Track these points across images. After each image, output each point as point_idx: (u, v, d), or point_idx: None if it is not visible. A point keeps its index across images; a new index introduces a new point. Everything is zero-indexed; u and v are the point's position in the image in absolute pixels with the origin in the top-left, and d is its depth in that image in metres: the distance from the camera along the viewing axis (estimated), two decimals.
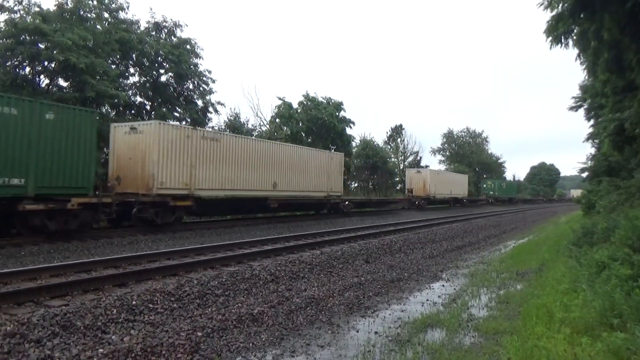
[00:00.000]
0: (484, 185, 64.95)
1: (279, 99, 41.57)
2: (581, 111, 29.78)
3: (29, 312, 5.87)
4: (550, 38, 11.29)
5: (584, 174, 32.15)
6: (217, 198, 18.67)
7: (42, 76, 21.74)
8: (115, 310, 6.21)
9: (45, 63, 20.67)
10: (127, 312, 6.29)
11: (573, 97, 30.11)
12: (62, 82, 22.02)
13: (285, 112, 40.58)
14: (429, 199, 41.11)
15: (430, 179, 41.78)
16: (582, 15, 10.26)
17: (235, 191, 19.30)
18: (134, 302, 6.56)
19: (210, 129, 22.06)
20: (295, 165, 23.49)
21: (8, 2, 19.89)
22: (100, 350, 5.17)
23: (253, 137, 26.85)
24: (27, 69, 21.11)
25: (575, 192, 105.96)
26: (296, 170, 23.55)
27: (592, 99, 24.26)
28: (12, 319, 5.51)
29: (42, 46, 20.14)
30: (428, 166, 64.65)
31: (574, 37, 11.68)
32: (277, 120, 40.89)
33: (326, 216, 25.79)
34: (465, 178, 54.54)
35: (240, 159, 19.57)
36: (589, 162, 29.10)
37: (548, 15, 11.09)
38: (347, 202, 28.51)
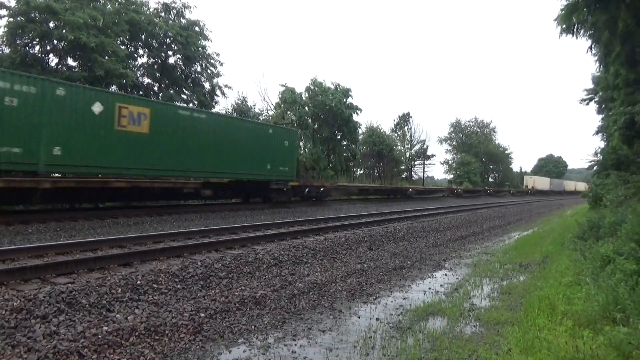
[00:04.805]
0: None
1: (281, 85, 41.49)
2: (592, 105, 29.55)
3: (36, 288, 5.94)
4: (560, 27, 11.15)
5: (593, 168, 31.97)
6: None
7: (51, 55, 21.73)
8: (120, 290, 6.27)
9: (55, 42, 20.62)
10: (132, 291, 6.35)
11: (585, 90, 29.88)
12: (71, 62, 22.01)
13: (289, 97, 40.42)
14: None
15: None
16: (597, 6, 10.13)
17: None
18: (138, 282, 6.62)
19: None
20: None
21: None
22: (105, 328, 5.24)
23: None
24: (37, 48, 21.11)
25: (531, 181, 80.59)
26: None
27: (603, 92, 24.00)
28: (18, 294, 5.57)
29: (52, 25, 20.09)
30: (434, 156, 64.26)
31: (587, 27, 11.52)
32: (282, 105, 40.77)
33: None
34: None
35: None
36: (598, 155, 28.90)
37: (562, 3, 10.95)
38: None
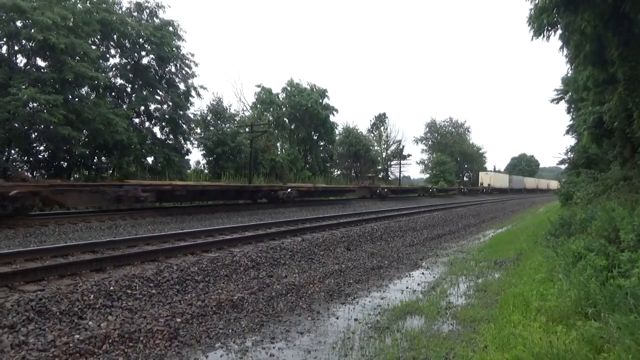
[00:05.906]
0: None
1: (257, 86, 41.48)
2: (563, 104, 30.33)
3: (3, 297, 5.73)
4: (532, 29, 11.36)
5: (563, 166, 32.81)
6: None
7: (19, 55, 21.09)
8: (92, 296, 6.11)
9: (23, 42, 20.02)
10: (105, 297, 6.20)
11: (555, 90, 30.64)
12: (40, 62, 21.40)
13: (265, 98, 40.30)
14: None
15: None
16: (564, 7, 10.35)
17: None
18: (111, 288, 6.46)
19: None
20: None
21: None
22: (77, 336, 5.10)
23: None
24: (5, 48, 20.47)
25: (487, 178, 70.19)
26: None
27: (574, 93, 24.65)
28: None
29: (19, 24, 19.50)
30: (410, 155, 64.53)
31: (557, 29, 11.78)
32: (259, 106, 40.62)
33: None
34: None
35: None
36: (569, 153, 29.65)
37: (532, 4, 11.17)
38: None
